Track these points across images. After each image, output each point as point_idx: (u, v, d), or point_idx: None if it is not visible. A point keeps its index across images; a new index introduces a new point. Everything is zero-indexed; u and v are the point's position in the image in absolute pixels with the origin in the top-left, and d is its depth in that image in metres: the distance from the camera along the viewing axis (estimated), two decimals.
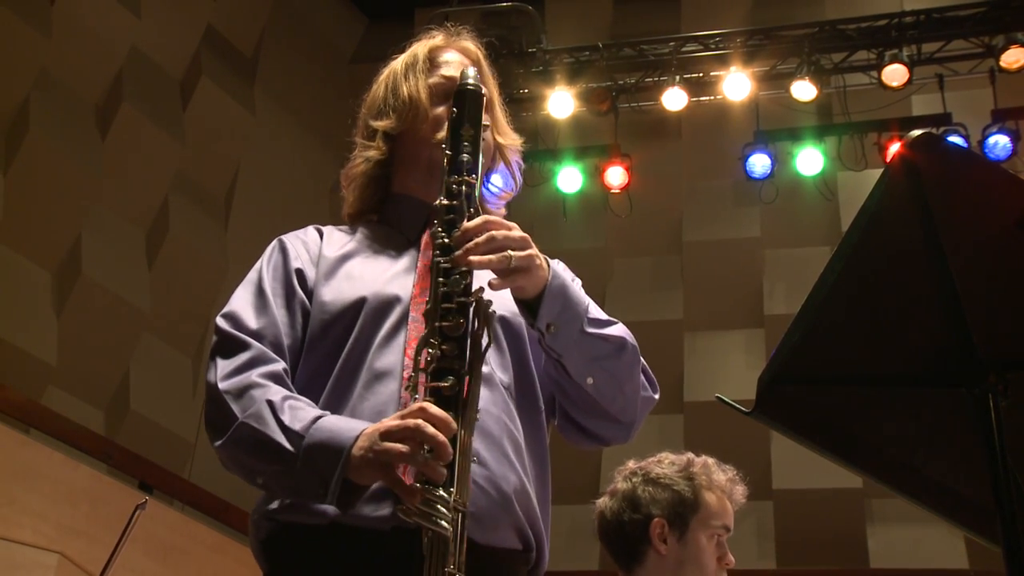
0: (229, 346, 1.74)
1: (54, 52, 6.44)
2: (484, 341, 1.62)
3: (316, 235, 1.92)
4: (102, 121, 6.88)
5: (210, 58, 7.62)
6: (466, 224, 1.66)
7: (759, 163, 7.11)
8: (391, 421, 1.56)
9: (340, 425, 1.60)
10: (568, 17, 8.22)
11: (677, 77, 7.07)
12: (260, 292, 1.82)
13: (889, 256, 1.41)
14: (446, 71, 1.99)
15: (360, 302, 1.78)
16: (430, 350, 1.60)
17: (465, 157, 1.74)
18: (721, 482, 2.59)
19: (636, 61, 7.37)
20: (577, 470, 7.53)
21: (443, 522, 1.48)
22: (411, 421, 1.52)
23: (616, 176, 7.28)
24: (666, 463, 2.61)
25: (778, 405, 1.48)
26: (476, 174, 1.74)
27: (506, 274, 1.64)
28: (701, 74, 7.31)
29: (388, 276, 1.83)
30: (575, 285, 1.80)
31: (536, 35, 7.31)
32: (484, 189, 1.99)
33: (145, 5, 7.03)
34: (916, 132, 1.34)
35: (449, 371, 1.59)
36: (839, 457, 1.55)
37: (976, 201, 1.37)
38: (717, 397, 1.63)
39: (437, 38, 2.05)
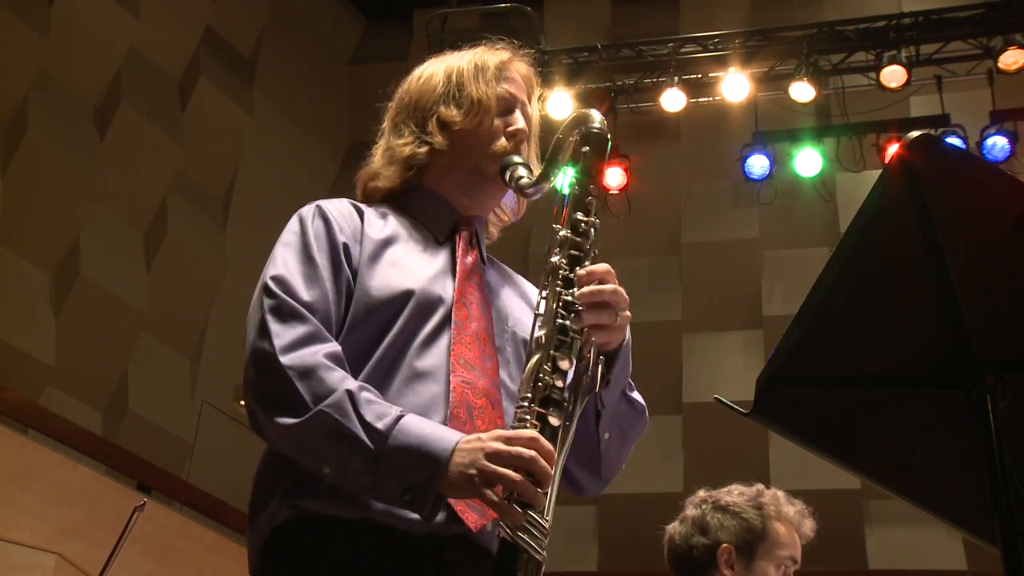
0: (285, 314, 1.67)
1: (53, 53, 6.45)
2: (589, 383, 1.67)
3: (354, 210, 1.87)
4: (101, 122, 6.88)
5: (209, 59, 7.63)
6: (592, 267, 1.71)
7: (758, 164, 7.11)
8: (498, 444, 1.54)
9: (428, 431, 1.58)
10: (567, 18, 8.23)
11: (676, 78, 7.08)
12: (309, 259, 1.75)
13: (887, 257, 1.41)
14: (511, 87, 1.98)
15: (407, 295, 1.75)
16: (544, 377, 1.62)
17: (591, 199, 1.77)
18: (790, 514, 2.62)
19: (635, 62, 7.38)
20: None
21: (541, 548, 1.52)
22: (526, 452, 1.53)
23: (615, 177, 7.29)
24: (735, 493, 2.65)
25: (776, 406, 1.48)
26: (597, 218, 1.77)
27: (608, 330, 1.70)
28: (700, 75, 7.31)
29: (432, 273, 1.81)
30: None
31: (535, 36, 7.31)
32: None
33: (144, 6, 7.03)
34: (914, 133, 1.34)
35: (554, 402, 1.61)
36: (837, 458, 1.55)
37: (974, 202, 1.38)
38: (715, 398, 1.63)
39: (504, 53, 2.04)
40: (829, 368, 1.48)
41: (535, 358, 1.64)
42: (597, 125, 1.82)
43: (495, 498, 1.52)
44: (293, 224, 1.82)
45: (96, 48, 6.76)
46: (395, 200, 1.95)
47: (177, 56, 7.45)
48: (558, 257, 1.72)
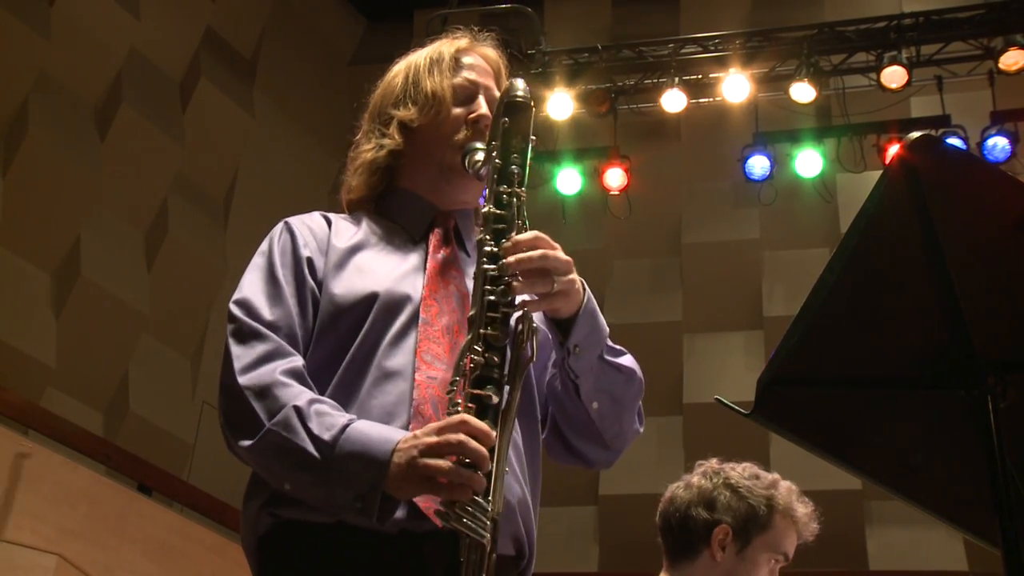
0: (245, 336, 1.70)
1: (53, 53, 6.44)
2: (527, 353, 1.63)
3: (323, 222, 1.87)
4: (101, 122, 6.88)
5: (209, 59, 7.63)
6: (517, 236, 1.67)
7: (758, 165, 7.11)
8: (430, 437, 1.54)
9: (371, 435, 1.57)
10: (567, 19, 8.22)
11: (676, 79, 7.07)
12: (273, 279, 1.77)
13: (888, 258, 1.41)
14: (469, 74, 1.98)
15: (372, 297, 1.75)
16: (474, 356, 1.60)
17: (515, 168, 1.74)
18: (798, 513, 2.58)
19: (635, 63, 7.37)
20: (576, 474, 7.52)
21: (482, 530, 1.50)
22: (453, 437, 1.52)
23: (615, 178, 7.29)
24: (749, 474, 2.60)
25: (777, 407, 1.48)
26: (524, 186, 1.74)
27: (547, 297, 1.66)
28: (700, 76, 7.31)
29: (398, 273, 1.81)
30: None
31: (535, 37, 7.31)
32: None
33: (144, 6, 7.03)
34: (915, 134, 1.34)
35: (490, 380, 1.59)
36: (838, 459, 1.55)
37: (975, 203, 1.37)
38: (716, 399, 1.63)
39: (462, 40, 2.03)
40: (830, 369, 1.48)
41: (467, 339, 1.62)
42: (518, 94, 1.80)
43: (440, 488, 1.51)
44: (263, 246, 1.84)
45: (97, 49, 6.75)
46: (376, 205, 1.95)
47: (178, 57, 7.45)
48: (483, 233, 1.70)
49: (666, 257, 8.06)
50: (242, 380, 1.64)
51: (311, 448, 1.57)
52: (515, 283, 1.63)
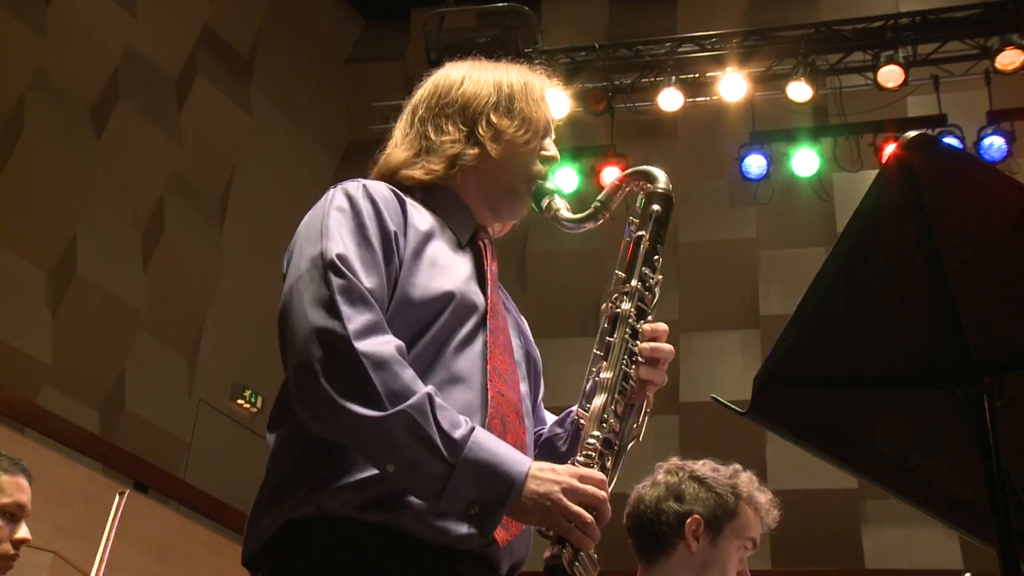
0: (355, 298, 1.61)
1: (50, 52, 6.44)
2: (638, 434, 1.77)
3: (395, 198, 1.80)
4: (98, 121, 6.88)
5: (206, 58, 7.62)
6: (658, 325, 1.82)
7: (755, 164, 7.11)
8: (573, 480, 1.59)
9: (503, 450, 1.59)
10: (564, 18, 8.23)
11: (673, 78, 7.08)
12: (365, 242, 1.69)
13: (885, 257, 1.41)
14: (549, 113, 2.03)
15: (448, 297, 1.73)
16: (608, 419, 1.69)
17: (658, 258, 1.87)
18: (760, 501, 2.63)
19: (632, 62, 7.38)
20: None
21: None
22: (600, 493, 1.60)
23: (612, 176, 7.27)
24: (710, 467, 2.65)
25: (773, 406, 1.48)
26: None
27: (653, 388, 1.80)
28: (697, 75, 7.32)
29: (465, 275, 1.80)
30: None
31: (532, 35, 7.31)
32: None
33: (141, 5, 7.03)
34: (911, 133, 1.34)
35: (611, 446, 1.69)
36: (834, 458, 1.55)
37: (971, 202, 1.38)
38: (713, 397, 1.63)
39: (546, 79, 2.07)
40: (826, 368, 1.48)
41: (603, 398, 1.71)
42: (664, 185, 1.92)
43: (570, 528, 1.57)
44: (339, 199, 1.74)
45: (93, 47, 6.75)
46: (419, 193, 1.90)
47: (174, 55, 7.45)
48: (628, 305, 1.80)
49: (663, 256, 8.06)
50: (360, 345, 1.57)
51: (439, 441, 1.55)
52: (644, 365, 1.76)
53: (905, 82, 6.71)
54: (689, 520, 2.54)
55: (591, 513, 1.57)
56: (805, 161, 7.12)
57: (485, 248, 1.88)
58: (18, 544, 2.69)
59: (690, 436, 7.30)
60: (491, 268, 1.86)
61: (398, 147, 1.95)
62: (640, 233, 1.87)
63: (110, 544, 3.39)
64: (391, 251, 1.71)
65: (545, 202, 1.90)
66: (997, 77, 6.72)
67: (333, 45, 8.99)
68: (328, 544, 1.62)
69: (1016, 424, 1.44)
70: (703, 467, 2.65)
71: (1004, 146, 6.63)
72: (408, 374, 1.60)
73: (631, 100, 7.49)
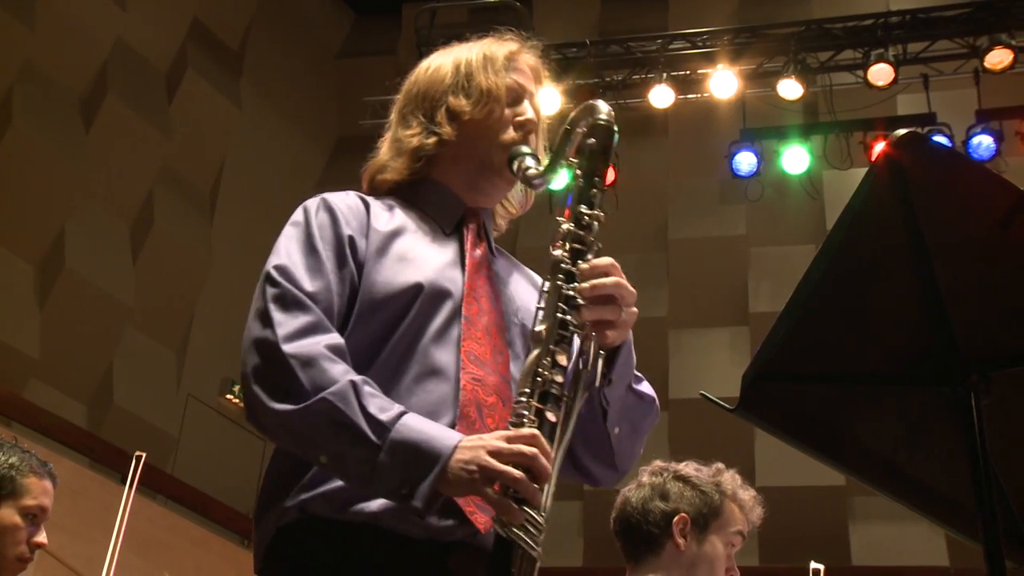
0: (289, 303, 1.65)
1: (38, 44, 6.41)
2: (591, 377, 1.64)
3: (360, 203, 1.83)
4: (86, 113, 6.85)
5: (196, 51, 7.60)
6: (595, 261, 1.68)
7: (745, 161, 7.12)
8: (500, 441, 1.53)
9: (432, 429, 1.56)
10: (556, 14, 8.23)
11: (664, 74, 7.08)
12: (312, 251, 1.72)
13: (873, 255, 1.41)
14: (519, 77, 1.96)
15: (416, 288, 1.72)
16: (542, 372, 1.60)
17: (595, 192, 1.74)
18: (744, 498, 2.65)
19: (623, 58, 7.38)
20: None
21: (536, 544, 1.52)
22: (528, 449, 1.52)
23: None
24: (694, 467, 2.67)
25: (762, 402, 1.48)
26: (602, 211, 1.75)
27: (612, 326, 1.67)
28: (688, 72, 7.32)
29: (438, 265, 1.78)
30: None
31: (524, 31, 7.30)
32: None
33: None
34: (901, 131, 1.35)
35: (553, 398, 1.59)
36: (822, 455, 1.55)
37: (960, 201, 1.38)
38: (701, 394, 1.63)
39: (512, 44, 2.01)
40: (815, 365, 1.48)
41: (535, 353, 1.62)
42: (604, 117, 1.79)
43: (495, 495, 1.51)
44: (297, 215, 1.79)
45: (82, 39, 6.72)
46: (401, 192, 1.92)
47: (164, 48, 7.42)
48: (561, 251, 1.69)
49: (652, 253, 8.07)
50: (287, 348, 1.60)
51: (364, 425, 1.55)
52: (586, 307, 1.64)
53: (895, 80, 6.73)
54: (676, 518, 2.56)
55: (526, 473, 1.51)
56: (795, 158, 7.14)
57: (468, 233, 1.87)
58: (35, 547, 2.69)
59: (679, 433, 7.32)
60: (473, 253, 1.84)
61: (383, 149, 1.97)
62: (576, 172, 1.77)
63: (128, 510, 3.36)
64: (344, 255, 1.73)
65: (515, 165, 1.85)
66: (986, 76, 6.75)
67: (324, 39, 8.97)
68: (313, 547, 1.63)
69: (1002, 422, 1.44)
70: (686, 467, 2.67)
71: (992, 145, 6.66)
72: (337, 368, 1.60)
73: (622, 96, 7.49)
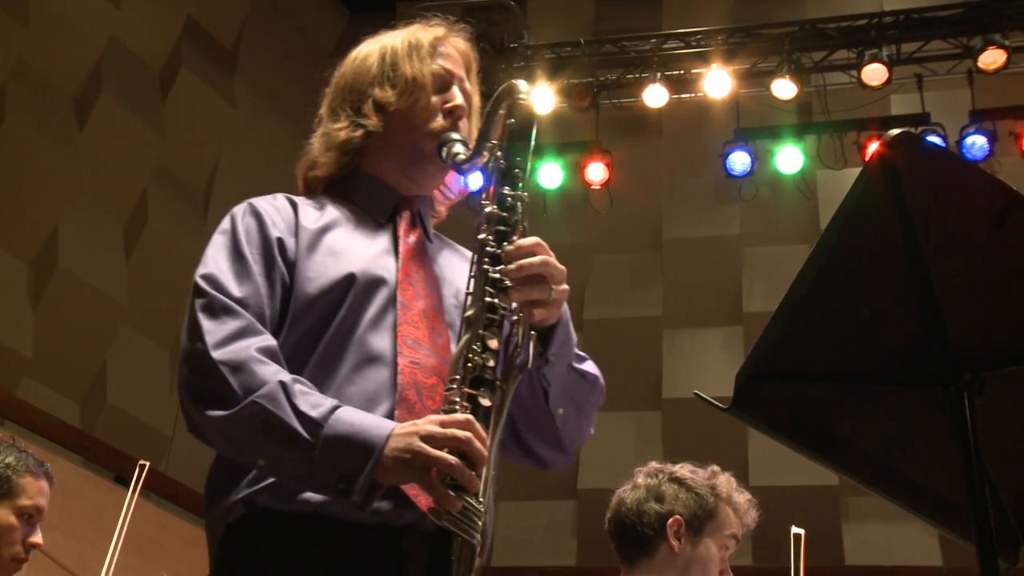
0: (217, 310, 1.66)
1: (32, 42, 6.39)
2: (523, 359, 1.64)
3: (288, 204, 1.85)
4: (80, 112, 6.83)
5: (190, 49, 7.58)
6: (520, 241, 1.67)
7: (739, 161, 7.13)
8: (432, 426, 1.53)
9: (364, 421, 1.56)
10: (550, 13, 8.22)
11: (658, 74, 7.08)
12: (239, 257, 1.74)
13: (867, 255, 1.41)
14: (446, 63, 1.96)
15: (349, 279, 1.73)
16: (473, 358, 1.60)
17: (518, 171, 1.74)
18: (739, 501, 2.66)
19: (617, 58, 7.38)
20: None
21: (474, 531, 1.51)
22: (462, 433, 1.52)
23: (597, 172, 7.29)
24: (689, 469, 2.67)
25: (755, 402, 1.49)
26: (527, 192, 1.74)
27: (542, 305, 1.66)
28: (682, 71, 7.33)
29: (370, 255, 1.79)
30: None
31: (518, 31, 7.30)
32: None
33: None
34: (895, 131, 1.35)
35: (485, 382, 1.59)
36: (816, 454, 1.56)
37: (954, 200, 1.38)
38: (695, 393, 1.63)
39: (439, 29, 2.01)
40: (808, 365, 1.49)
41: (464, 339, 1.62)
42: (522, 96, 1.78)
43: (431, 482, 1.51)
44: (224, 223, 1.81)
45: (76, 38, 6.70)
46: (335, 188, 1.93)
47: (158, 46, 7.40)
48: (485, 234, 1.69)
49: (647, 252, 8.07)
50: (216, 354, 1.61)
51: (296, 424, 1.54)
52: (513, 288, 1.64)
53: (889, 80, 6.74)
54: (670, 521, 2.56)
55: (462, 459, 1.51)
56: (789, 158, 7.15)
57: (400, 221, 1.87)
58: (30, 548, 2.69)
59: (673, 433, 7.32)
60: (407, 239, 1.84)
61: (314, 145, 1.96)
62: (497, 153, 1.76)
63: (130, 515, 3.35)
64: (272, 257, 1.74)
65: (444, 151, 1.85)
66: (980, 76, 6.76)
67: (318, 38, 8.95)
68: (264, 541, 1.62)
69: (995, 421, 1.45)
70: (682, 469, 2.67)
71: (986, 145, 6.66)
72: (268, 369, 1.59)
73: (616, 96, 7.49)
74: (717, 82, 7.03)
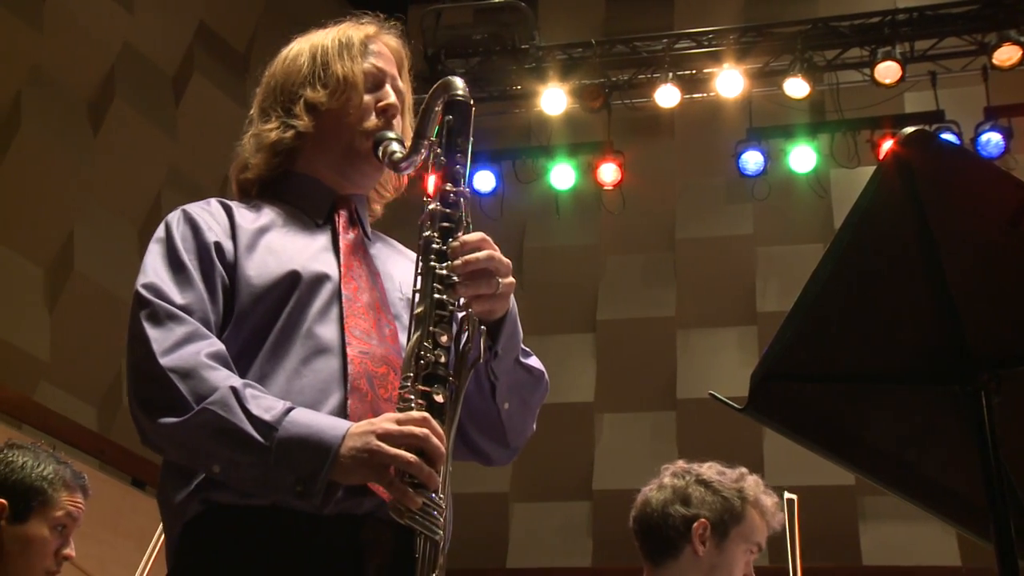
0: (161, 318, 1.66)
1: (46, 47, 6.42)
2: (475, 354, 1.65)
3: (221, 208, 1.85)
4: (94, 117, 6.86)
5: (203, 54, 7.60)
6: (465, 237, 1.68)
7: (752, 160, 7.11)
8: (389, 424, 1.53)
9: (319, 421, 1.56)
10: (561, 14, 8.22)
11: (670, 74, 7.07)
12: (178, 265, 1.73)
13: (882, 254, 1.41)
14: (378, 61, 1.95)
15: (292, 276, 1.74)
16: (424, 354, 1.60)
17: (459, 168, 1.73)
18: (767, 504, 2.65)
19: (629, 58, 7.37)
20: (569, 469, 7.53)
21: (436, 527, 1.51)
22: (419, 430, 1.52)
23: (609, 173, 7.28)
24: (716, 470, 2.67)
25: (771, 402, 1.48)
26: (468, 186, 1.74)
27: (489, 299, 1.67)
28: (694, 71, 7.31)
29: (311, 253, 1.80)
30: None
31: (529, 32, 7.31)
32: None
33: (138, 1, 7.01)
34: (909, 129, 1.34)
35: (437, 378, 1.60)
36: (832, 454, 1.55)
37: (969, 198, 1.38)
38: (710, 394, 1.63)
39: (369, 27, 2.00)
40: (823, 364, 1.48)
41: (415, 336, 1.62)
42: (460, 93, 1.78)
43: (390, 480, 1.51)
44: (159, 231, 1.80)
45: (90, 43, 6.73)
46: (269, 189, 1.92)
47: (171, 51, 7.43)
48: (430, 231, 1.70)
49: (659, 252, 8.06)
50: (164, 361, 1.60)
51: (250, 429, 1.54)
52: (461, 284, 1.64)
53: (902, 78, 6.71)
54: (696, 524, 2.56)
55: (420, 456, 1.51)
56: (802, 157, 7.12)
57: (339, 219, 1.87)
58: (62, 560, 2.70)
59: (687, 433, 7.30)
60: (346, 236, 1.84)
61: (245, 145, 1.95)
62: (437, 151, 1.77)
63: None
64: (210, 262, 1.74)
65: (380, 150, 1.85)
66: (995, 73, 6.72)
67: None
68: (223, 537, 1.62)
69: (1013, 421, 1.44)
70: (709, 470, 2.66)
71: (1001, 142, 6.63)
72: (218, 375, 1.59)
73: (628, 96, 7.48)
74: (729, 81, 7.02)
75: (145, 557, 3.34)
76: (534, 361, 1.85)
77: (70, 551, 2.71)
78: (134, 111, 6.96)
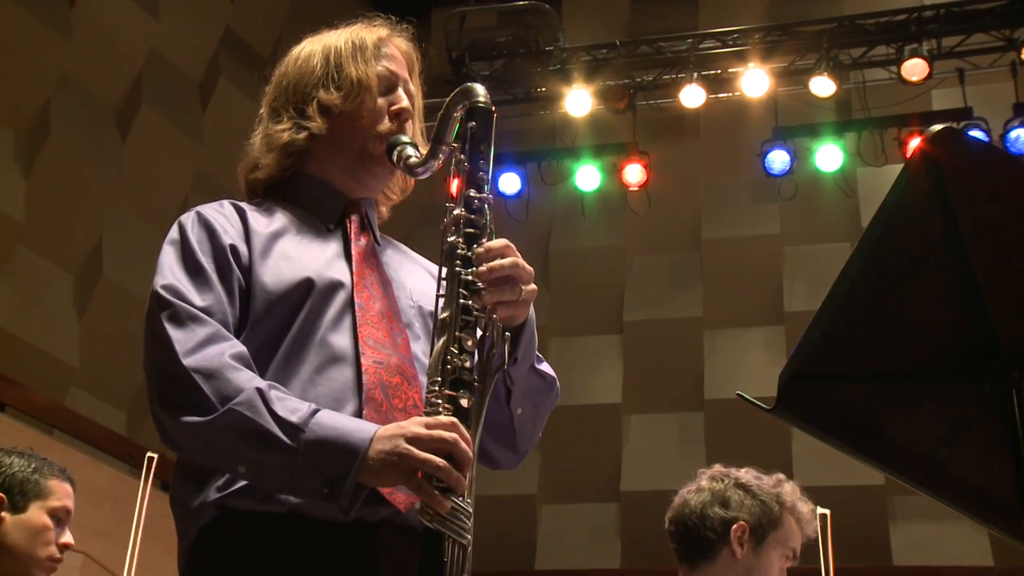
0: (183, 319, 1.66)
1: (74, 55, 6.48)
2: (498, 360, 1.65)
3: (235, 210, 1.84)
4: (122, 123, 6.92)
5: (228, 60, 7.66)
6: (489, 243, 1.68)
7: (778, 159, 7.08)
8: (418, 428, 1.53)
9: (346, 424, 1.57)
10: (585, 15, 8.22)
11: (695, 74, 7.05)
12: (196, 267, 1.74)
13: (910, 252, 1.40)
14: (391, 64, 1.95)
15: (307, 283, 1.74)
16: (451, 359, 1.60)
17: (483, 174, 1.74)
18: (803, 511, 2.66)
19: (654, 58, 7.36)
20: (598, 471, 7.53)
21: (464, 531, 1.52)
22: (448, 435, 1.52)
23: (634, 174, 7.27)
24: (754, 475, 2.67)
25: (799, 402, 1.48)
26: (491, 192, 1.75)
27: (512, 305, 1.68)
28: (719, 71, 7.29)
29: (324, 260, 1.80)
30: None
31: (553, 33, 7.31)
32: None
33: (164, 8, 7.07)
34: (936, 127, 1.33)
35: (463, 384, 1.60)
36: (861, 454, 1.54)
37: (998, 196, 1.37)
38: (738, 394, 1.62)
39: (382, 30, 2.00)
40: (852, 364, 1.47)
41: (441, 340, 1.63)
42: (481, 99, 1.78)
43: (419, 483, 1.51)
44: (173, 233, 1.81)
45: (117, 50, 6.79)
46: (279, 190, 1.92)
47: (197, 57, 7.48)
48: (454, 236, 1.70)
49: (686, 253, 8.04)
50: (187, 362, 1.61)
51: (276, 430, 1.54)
52: (486, 290, 1.65)
53: (929, 75, 6.66)
54: (735, 527, 2.56)
55: (447, 460, 1.51)
56: (829, 156, 7.08)
57: (350, 225, 1.87)
58: (63, 548, 2.76)
59: (716, 433, 7.28)
60: (357, 243, 1.84)
61: (255, 145, 1.94)
62: (460, 156, 1.76)
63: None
64: (227, 265, 1.74)
65: (395, 154, 1.84)
66: (1023, 69, 6.66)
67: None
68: (238, 543, 1.62)
69: None
70: (747, 475, 2.67)
71: None
72: (242, 376, 1.59)
73: (653, 97, 7.47)
74: (754, 81, 6.99)
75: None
76: (546, 367, 1.86)
77: (69, 539, 2.78)
78: (161, 117, 7.01)
